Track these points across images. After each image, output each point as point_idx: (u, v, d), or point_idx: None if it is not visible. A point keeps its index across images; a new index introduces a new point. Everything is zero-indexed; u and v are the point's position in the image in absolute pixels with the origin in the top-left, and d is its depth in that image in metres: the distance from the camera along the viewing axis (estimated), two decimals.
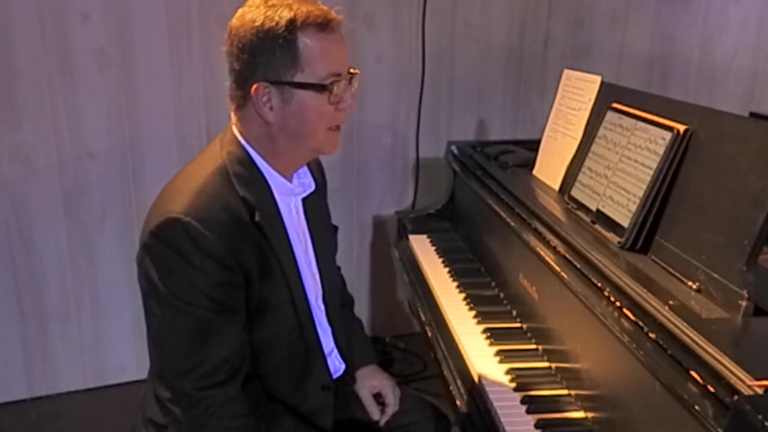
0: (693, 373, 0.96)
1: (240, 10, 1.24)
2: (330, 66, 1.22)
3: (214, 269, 1.18)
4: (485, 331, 1.65)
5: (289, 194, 1.34)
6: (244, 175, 1.25)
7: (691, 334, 1.00)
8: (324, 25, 1.20)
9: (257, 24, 1.19)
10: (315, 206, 1.43)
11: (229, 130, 1.30)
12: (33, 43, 2.22)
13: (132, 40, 2.33)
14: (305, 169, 1.42)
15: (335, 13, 1.24)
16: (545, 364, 1.50)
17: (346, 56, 1.26)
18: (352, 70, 1.28)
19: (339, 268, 1.61)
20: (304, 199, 1.39)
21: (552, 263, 1.44)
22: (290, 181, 1.35)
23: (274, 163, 1.29)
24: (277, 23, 1.18)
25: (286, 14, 1.18)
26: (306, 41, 1.19)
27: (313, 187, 1.41)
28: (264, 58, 1.20)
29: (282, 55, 1.19)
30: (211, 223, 1.17)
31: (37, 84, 2.26)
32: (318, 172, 1.50)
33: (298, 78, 1.20)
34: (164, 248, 1.17)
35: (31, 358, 2.49)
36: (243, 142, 1.28)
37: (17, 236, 2.37)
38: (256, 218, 1.23)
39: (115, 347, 2.57)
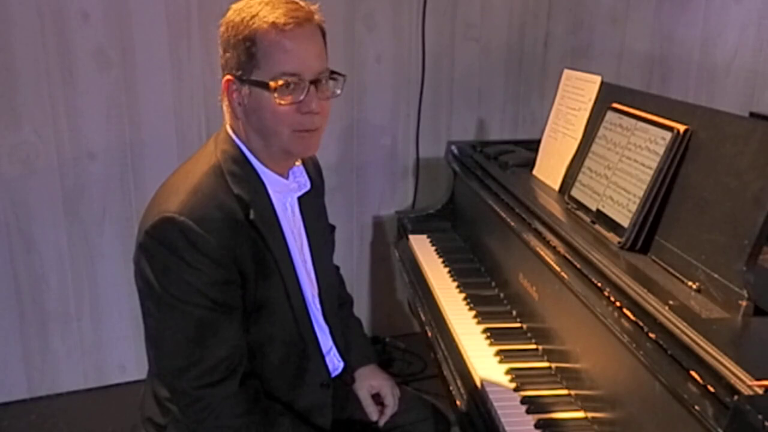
0: (693, 373, 0.96)
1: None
2: (284, 65, 1.18)
3: (210, 268, 1.18)
4: (485, 331, 1.65)
5: (285, 191, 1.34)
6: (239, 174, 1.25)
7: (691, 334, 1.00)
8: (283, 23, 1.17)
9: (228, 20, 1.22)
10: (311, 205, 1.43)
11: (223, 129, 1.31)
12: (33, 43, 2.22)
13: (132, 40, 2.33)
14: (301, 168, 1.41)
15: (306, 12, 1.21)
16: (545, 364, 1.50)
17: (314, 57, 1.22)
18: (335, 73, 1.25)
19: (337, 268, 1.61)
20: (300, 198, 1.38)
21: (552, 263, 1.44)
22: (286, 178, 1.34)
23: (264, 160, 1.29)
24: (242, 19, 1.19)
25: (253, 11, 1.19)
26: (262, 38, 1.18)
27: (308, 186, 1.40)
28: (230, 53, 1.22)
29: (242, 51, 1.20)
30: (205, 222, 1.17)
31: (37, 84, 2.26)
32: (315, 171, 1.50)
33: (255, 75, 1.20)
34: (159, 247, 1.18)
35: (31, 358, 2.49)
36: (235, 139, 1.28)
37: (17, 236, 2.37)
38: (251, 216, 1.23)
39: (115, 347, 2.57)
